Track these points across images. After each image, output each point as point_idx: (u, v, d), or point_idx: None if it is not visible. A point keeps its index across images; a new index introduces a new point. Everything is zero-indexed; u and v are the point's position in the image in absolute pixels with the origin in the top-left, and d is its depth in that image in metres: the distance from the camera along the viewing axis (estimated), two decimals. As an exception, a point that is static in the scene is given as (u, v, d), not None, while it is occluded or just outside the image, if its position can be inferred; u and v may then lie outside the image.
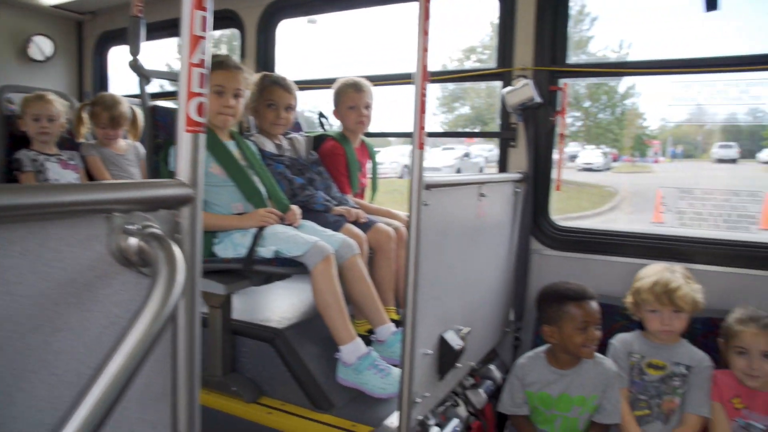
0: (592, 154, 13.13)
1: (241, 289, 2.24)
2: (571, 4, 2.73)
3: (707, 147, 15.54)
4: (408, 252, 1.66)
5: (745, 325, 2.13)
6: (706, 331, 2.35)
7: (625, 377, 2.29)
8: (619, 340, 2.37)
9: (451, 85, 14.24)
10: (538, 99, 2.65)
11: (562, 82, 2.74)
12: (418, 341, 1.76)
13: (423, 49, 1.56)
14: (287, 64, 3.57)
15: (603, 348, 2.35)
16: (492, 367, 2.61)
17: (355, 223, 2.42)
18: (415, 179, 1.63)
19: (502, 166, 2.84)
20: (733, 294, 2.36)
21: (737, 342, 2.14)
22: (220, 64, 2.23)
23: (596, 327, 2.20)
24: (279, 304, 2.66)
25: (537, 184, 2.75)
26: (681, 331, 2.26)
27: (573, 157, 13.40)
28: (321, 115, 2.94)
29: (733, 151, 14.87)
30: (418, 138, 1.61)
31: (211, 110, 2.22)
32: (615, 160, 13.54)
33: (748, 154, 15.19)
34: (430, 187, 1.74)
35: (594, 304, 2.21)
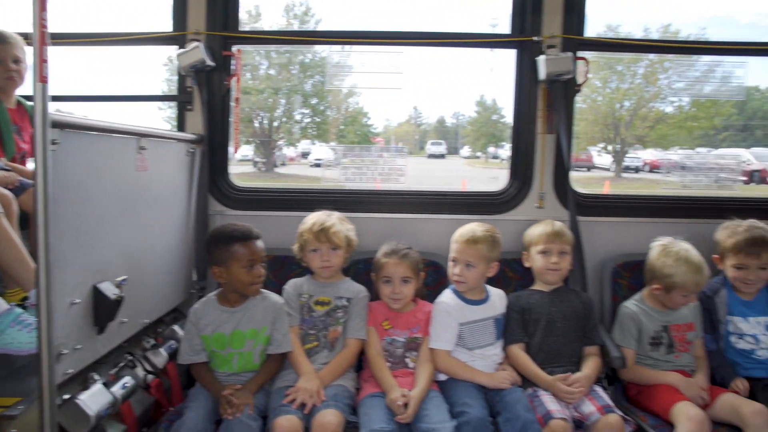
0: (322, 150, 13.75)
1: None
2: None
3: (423, 144, 17.59)
4: (35, 192, 1.56)
5: (388, 257, 2.48)
6: (367, 269, 2.66)
7: (296, 316, 2.48)
8: (290, 284, 2.56)
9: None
10: (209, 62, 2.72)
11: (235, 48, 2.85)
12: (61, 289, 1.67)
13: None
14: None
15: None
16: (176, 327, 2.59)
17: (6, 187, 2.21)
18: (39, 114, 1.54)
19: (180, 129, 2.85)
20: (388, 235, 2.70)
21: (384, 272, 2.48)
22: None
23: (262, 264, 2.35)
24: None
25: (213, 146, 2.82)
26: (340, 266, 2.54)
27: (305, 154, 14.01)
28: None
29: (443, 148, 17.14)
30: (39, 71, 1.53)
31: None
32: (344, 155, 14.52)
33: (454, 150, 17.59)
34: (62, 126, 1.67)
35: (259, 243, 2.36)
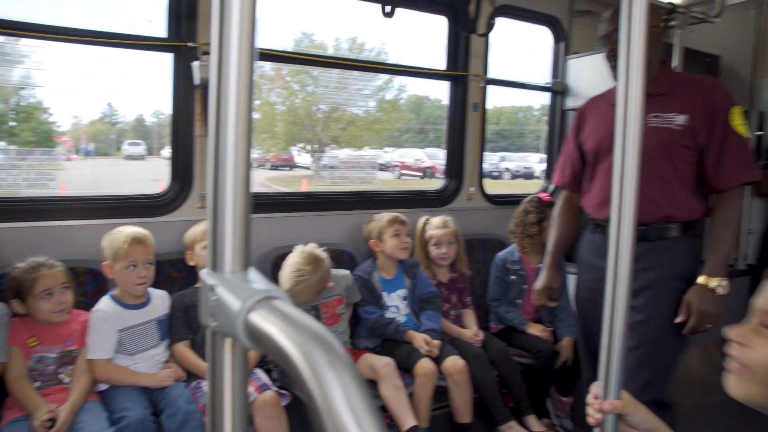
0: (-12, 152, 11.77)
1: None
2: None
3: (120, 145, 16.33)
4: None
5: (39, 271, 2.29)
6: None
7: None
8: None
9: None
10: None
11: None
12: None
13: None
14: None
15: None
16: None
17: None
18: None
19: None
20: (37, 246, 2.48)
21: (40, 286, 2.25)
22: None
23: None
24: None
25: None
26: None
27: (-34, 157, 11.88)
28: None
29: (141, 149, 16.12)
30: None
31: None
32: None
33: (156, 151, 16.72)
34: None
35: None
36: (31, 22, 2.63)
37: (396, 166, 17.02)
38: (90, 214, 2.75)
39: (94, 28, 2.80)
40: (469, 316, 3.32)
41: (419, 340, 2.91)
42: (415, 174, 16.41)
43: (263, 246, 3.07)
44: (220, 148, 0.63)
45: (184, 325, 2.60)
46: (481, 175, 3.85)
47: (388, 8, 2.74)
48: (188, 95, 2.88)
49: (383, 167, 16.79)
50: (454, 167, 3.75)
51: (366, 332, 3.07)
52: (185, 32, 2.86)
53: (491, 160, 17.69)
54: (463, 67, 3.64)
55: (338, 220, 3.35)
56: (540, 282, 2.76)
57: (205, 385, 2.37)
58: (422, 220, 3.33)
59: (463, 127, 3.70)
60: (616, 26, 2.24)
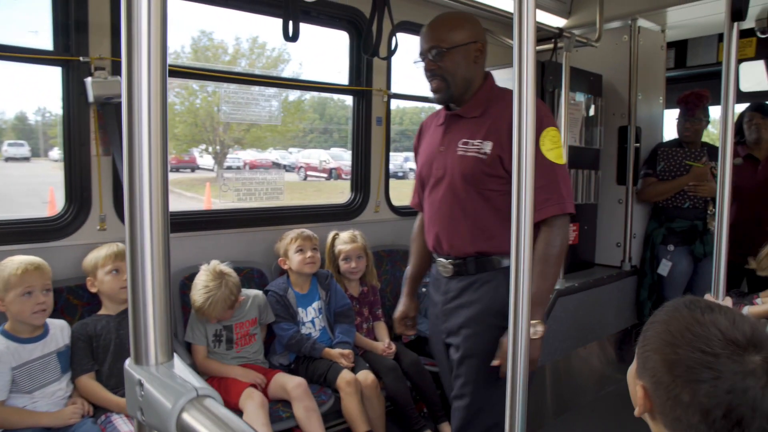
0: None
1: None
2: None
3: (-1, 146, 14.99)
4: None
5: None
6: None
7: None
8: None
9: None
10: None
11: None
12: None
13: None
14: None
15: None
16: None
17: None
18: None
19: None
20: None
21: None
22: None
23: None
24: None
25: None
26: None
27: None
28: None
29: (25, 150, 14.90)
30: None
31: None
32: None
33: (42, 152, 15.52)
34: None
35: None
36: None
37: (301, 167, 16.91)
38: (-26, 243, 2.55)
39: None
40: (381, 329, 3.39)
41: (336, 355, 2.96)
42: (320, 175, 16.37)
43: (171, 267, 2.98)
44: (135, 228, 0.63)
45: (88, 355, 2.47)
46: (388, 187, 3.94)
47: (290, 31, 2.73)
48: (82, 112, 2.72)
49: (288, 168, 16.64)
50: (360, 181, 3.80)
51: (281, 349, 3.07)
52: (75, 45, 2.68)
53: (396, 160, 18.00)
54: (366, 81, 3.70)
55: (247, 237, 3.32)
56: (396, 311, 2.55)
57: (116, 419, 2.30)
58: (331, 234, 3.37)
59: (368, 140, 3.77)
60: (430, 45, 2.13)
